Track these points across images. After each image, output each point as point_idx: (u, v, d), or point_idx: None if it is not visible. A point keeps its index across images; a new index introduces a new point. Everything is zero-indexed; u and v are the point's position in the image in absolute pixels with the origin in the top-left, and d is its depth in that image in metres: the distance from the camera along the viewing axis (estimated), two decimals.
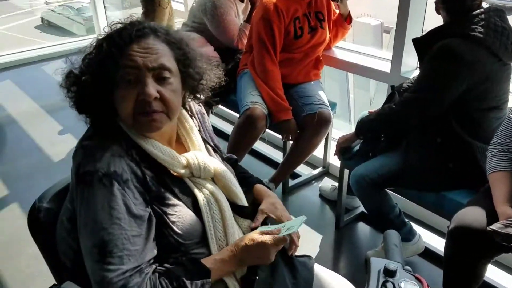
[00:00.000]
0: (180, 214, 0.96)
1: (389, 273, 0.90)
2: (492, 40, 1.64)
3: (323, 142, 2.60)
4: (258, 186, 1.23)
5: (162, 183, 0.97)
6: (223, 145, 1.34)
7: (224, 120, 3.47)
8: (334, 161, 2.56)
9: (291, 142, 2.40)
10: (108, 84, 0.95)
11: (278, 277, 1.05)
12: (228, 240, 1.02)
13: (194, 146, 1.08)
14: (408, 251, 2.03)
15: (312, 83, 2.42)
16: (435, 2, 1.80)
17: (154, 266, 0.92)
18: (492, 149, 1.58)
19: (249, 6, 2.67)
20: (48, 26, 13.79)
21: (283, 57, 2.30)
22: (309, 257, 1.20)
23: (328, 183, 2.66)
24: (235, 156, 1.33)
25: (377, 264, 0.93)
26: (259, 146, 3.00)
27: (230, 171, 1.14)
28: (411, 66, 2.22)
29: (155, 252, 0.93)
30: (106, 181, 0.87)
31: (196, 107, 1.20)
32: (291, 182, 2.67)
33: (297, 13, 2.25)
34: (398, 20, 2.15)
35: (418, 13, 2.12)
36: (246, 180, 1.24)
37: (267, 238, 0.99)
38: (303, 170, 2.78)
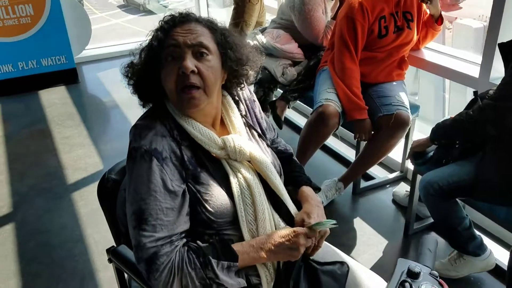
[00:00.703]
0: (213, 193, 1.03)
1: (412, 275, 0.89)
2: None
3: (402, 145, 2.52)
4: (304, 188, 1.23)
5: (199, 163, 1.05)
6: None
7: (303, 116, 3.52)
8: (413, 166, 2.46)
9: (365, 142, 2.37)
10: (157, 65, 1.05)
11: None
12: (258, 224, 1.06)
13: (235, 129, 1.15)
14: (476, 267, 1.90)
15: (394, 83, 2.35)
16: None
17: (184, 240, 1.01)
18: None
19: (338, 4, 2.68)
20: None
21: (365, 55, 2.28)
22: (341, 263, 1.17)
23: (403, 189, 2.56)
24: (290, 149, 1.38)
25: (403, 265, 0.93)
26: (332, 142, 3.00)
27: (273, 159, 1.19)
28: (502, 72, 2.05)
29: (187, 226, 1.02)
30: (147, 157, 0.98)
31: (246, 93, 1.26)
32: (363, 184, 2.63)
33: (383, 12, 2.20)
34: (491, 23, 2.00)
35: None
36: (295, 179, 1.26)
37: (299, 229, 1.04)
38: (378, 173, 2.72)
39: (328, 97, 2.26)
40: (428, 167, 1.90)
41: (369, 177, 2.69)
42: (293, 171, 1.29)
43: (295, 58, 2.76)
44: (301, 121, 3.33)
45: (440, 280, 0.91)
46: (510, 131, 1.62)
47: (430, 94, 3.63)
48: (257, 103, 1.30)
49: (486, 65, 2.08)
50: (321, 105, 2.23)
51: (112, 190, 1.21)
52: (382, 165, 2.77)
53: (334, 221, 1.05)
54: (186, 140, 1.06)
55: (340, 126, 2.30)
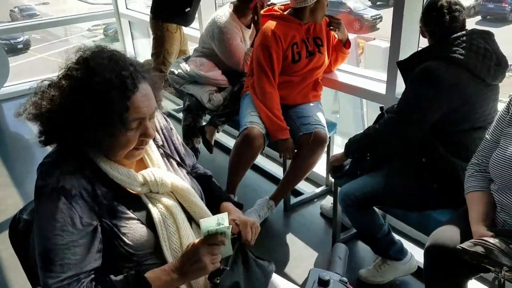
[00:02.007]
0: (131, 226, 1.05)
1: (323, 283, 0.97)
2: (474, 62, 1.68)
3: (324, 160, 2.67)
4: (224, 203, 1.28)
5: (116, 199, 1.06)
6: None
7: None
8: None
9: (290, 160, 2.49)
10: (102, 123, 0.99)
11: (233, 274, 1.10)
12: (183, 250, 1.08)
13: (153, 162, 1.17)
14: (399, 270, 2.04)
15: (312, 104, 2.50)
16: (420, 26, 1.87)
17: (93, 276, 1.01)
18: (470, 169, 1.60)
19: (255, 32, 2.81)
20: None
21: (282, 79, 2.41)
22: (269, 261, 1.25)
23: (329, 202, 2.70)
24: (209, 172, 1.43)
25: (315, 274, 1.00)
26: (262, 162, 3.10)
27: (193, 184, 1.23)
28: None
29: (98, 263, 1.02)
30: (53, 195, 0.98)
31: (162, 123, 1.28)
32: (293, 200, 2.74)
33: (295, 38, 2.36)
34: (392, 42, 2.22)
35: (411, 35, 2.18)
36: (216, 198, 1.30)
37: (197, 242, 1.04)
38: (306, 188, 2.85)
39: (252, 120, 2.36)
40: (346, 180, 2.04)
41: (298, 193, 2.81)
42: (214, 191, 1.34)
43: (220, 84, 2.85)
44: (232, 144, 3.40)
45: (349, 286, 0.99)
46: (411, 143, 1.79)
47: (349, 112, 3.89)
48: (174, 131, 1.33)
49: (391, 82, 2.28)
50: (246, 128, 2.33)
51: (24, 231, 1.17)
52: (309, 180, 2.90)
53: (226, 225, 1.03)
54: (101, 178, 1.06)
55: (266, 147, 2.41)
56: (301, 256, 2.33)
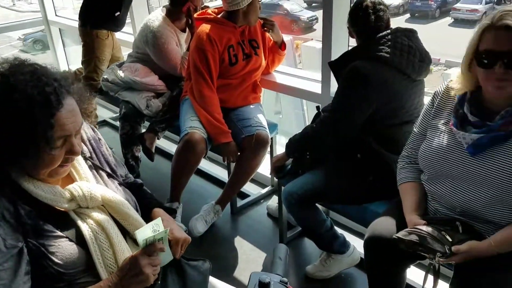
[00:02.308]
0: (60, 245, 1.00)
1: (263, 286, 0.97)
2: (398, 59, 1.76)
3: (268, 161, 2.69)
4: (156, 210, 1.26)
5: (42, 217, 1.01)
6: None
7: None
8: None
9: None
10: (24, 142, 0.94)
11: (167, 285, 1.08)
12: (119, 266, 1.05)
13: (81, 176, 1.12)
14: (343, 263, 2.11)
15: (252, 106, 2.52)
16: (348, 27, 1.94)
17: None
18: (401, 161, 1.68)
19: (190, 36, 2.78)
20: None
21: (221, 83, 2.41)
22: (204, 260, 1.24)
23: (275, 202, 2.73)
24: (140, 181, 1.39)
25: (255, 278, 0.99)
26: (206, 166, 3.08)
27: (126, 196, 1.19)
28: None
29: (27, 286, 0.96)
30: None
31: (89, 133, 1.24)
32: (240, 202, 2.74)
33: (231, 41, 2.36)
34: (323, 43, 2.28)
35: (341, 35, 2.25)
36: (147, 205, 1.28)
37: (136, 253, 1.01)
38: (252, 190, 2.86)
39: (192, 125, 2.33)
40: (288, 179, 2.07)
41: (244, 195, 2.81)
42: (145, 198, 1.31)
43: (157, 90, 2.79)
44: (174, 150, 3.34)
45: (289, 286, 1.00)
46: (345, 140, 1.85)
47: (291, 112, 3.97)
48: (103, 141, 1.28)
49: (325, 81, 2.35)
50: (187, 133, 2.30)
51: None
52: (255, 182, 2.92)
53: (163, 230, 1.02)
54: (23, 197, 1.01)
55: (209, 151, 2.39)
56: (250, 259, 2.34)
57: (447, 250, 1.32)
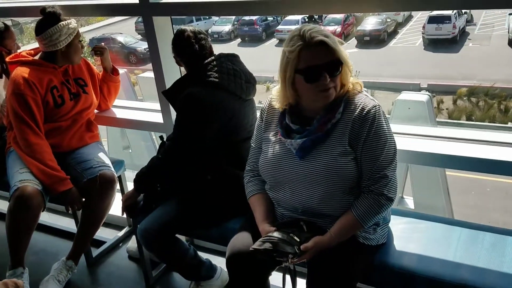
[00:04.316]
0: None
1: None
2: (227, 82, 1.85)
3: (120, 200, 2.55)
4: None
5: None
6: None
7: None
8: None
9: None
10: None
11: None
12: None
13: None
14: (214, 287, 2.10)
15: (90, 146, 2.37)
16: (174, 57, 1.97)
17: None
18: (246, 176, 1.76)
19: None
20: None
21: (49, 127, 2.22)
22: None
23: (135, 242, 2.59)
24: None
25: None
26: (48, 220, 2.78)
27: None
28: None
29: None
30: None
31: None
32: (96, 251, 2.52)
33: (53, 82, 2.20)
34: (155, 74, 2.29)
35: (171, 64, 2.25)
36: None
37: None
38: (107, 235, 2.66)
39: (22, 178, 2.08)
40: (143, 216, 1.98)
41: (99, 243, 2.59)
42: None
43: None
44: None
45: None
46: (193, 164, 1.87)
47: (141, 145, 3.85)
48: None
49: (165, 110, 2.34)
50: (17, 188, 2.05)
51: None
52: (109, 225, 2.73)
53: None
54: None
55: (48, 203, 2.15)
56: None
57: (296, 250, 1.43)
